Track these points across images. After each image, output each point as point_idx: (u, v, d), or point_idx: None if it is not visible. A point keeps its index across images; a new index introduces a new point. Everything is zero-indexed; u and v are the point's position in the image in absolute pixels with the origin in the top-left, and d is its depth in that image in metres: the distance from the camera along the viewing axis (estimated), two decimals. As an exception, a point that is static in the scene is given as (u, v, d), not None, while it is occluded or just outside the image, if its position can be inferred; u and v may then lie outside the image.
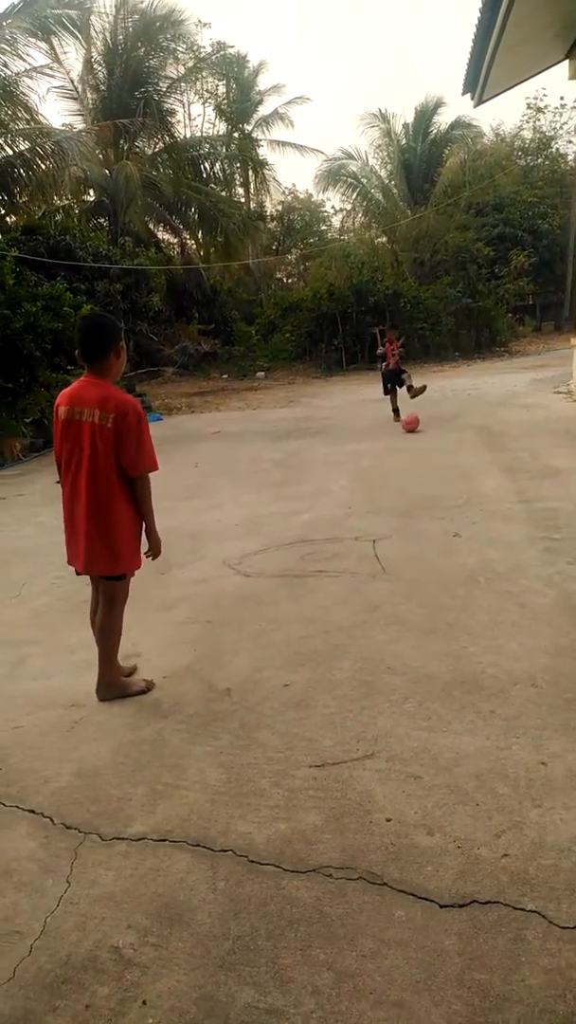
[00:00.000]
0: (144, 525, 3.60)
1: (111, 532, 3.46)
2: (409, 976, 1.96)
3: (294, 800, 2.72)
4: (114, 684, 3.68)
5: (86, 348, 3.47)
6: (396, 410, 12.54)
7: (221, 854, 2.48)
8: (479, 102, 12.79)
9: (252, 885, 2.33)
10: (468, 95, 12.55)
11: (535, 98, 33.86)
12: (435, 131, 30.13)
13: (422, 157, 29.66)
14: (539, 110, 34.09)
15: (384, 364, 12.79)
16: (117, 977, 2.04)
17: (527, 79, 13.60)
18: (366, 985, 1.94)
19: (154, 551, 3.65)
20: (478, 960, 1.98)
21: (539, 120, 34.57)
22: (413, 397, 12.49)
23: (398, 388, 12.63)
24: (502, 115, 52.78)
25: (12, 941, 2.20)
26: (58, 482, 3.69)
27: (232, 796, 2.78)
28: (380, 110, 29.56)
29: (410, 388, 12.50)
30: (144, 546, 3.65)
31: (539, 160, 34.89)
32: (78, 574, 3.74)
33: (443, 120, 30.11)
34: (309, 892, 2.28)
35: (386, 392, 12.79)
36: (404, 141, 30.17)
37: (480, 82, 11.64)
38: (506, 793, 2.65)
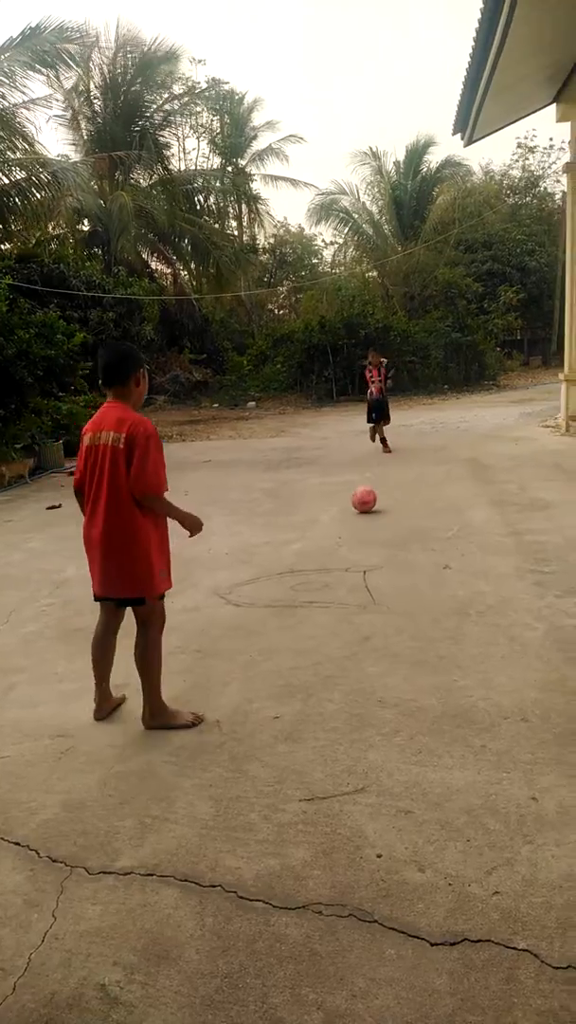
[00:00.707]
0: (177, 520, 3.56)
1: (130, 554, 3.42)
2: (400, 1017, 1.93)
3: (284, 835, 2.69)
4: (159, 712, 3.58)
5: (107, 373, 3.54)
6: (384, 440, 12.57)
7: (210, 889, 2.44)
8: (469, 142, 13.09)
9: (241, 922, 2.30)
10: (459, 135, 12.85)
11: (526, 137, 34.70)
12: (425, 169, 30.73)
13: (412, 194, 30.18)
14: (530, 149, 34.88)
15: (368, 392, 12.81)
16: (103, 1017, 2.00)
17: (516, 121, 13.96)
18: (357, 1026, 1.91)
19: (192, 528, 3.60)
20: (470, 1000, 1.96)
21: (528, 159, 35.35)
22: (379, 442, 12.56)
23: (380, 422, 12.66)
24: (491, 154, 53.95)
25: (-5, 978, 2.15)
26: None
27: (221, 830, 2.75)
28: (372, 148, 30.17)
29: (383, 440, 12.55)
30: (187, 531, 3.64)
31: (527, 199, 35.58)
32: (96, 599, 3.68)
33: (433, 159, 30.78)
34: (299, 929, 2.25)
35: (369, 420, 12.79)
36: (395, 178, 30.73)
37: (471, 123, 11.92)
38: (497, 829, 2.63)
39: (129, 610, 3.66)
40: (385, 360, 13.14)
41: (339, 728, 3.43)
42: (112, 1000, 2.05)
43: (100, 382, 3.61)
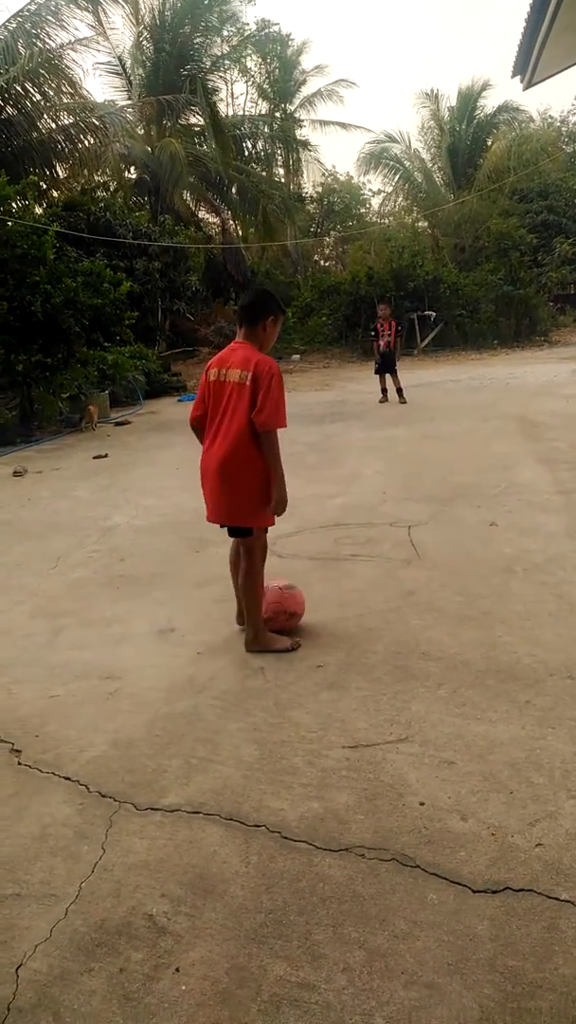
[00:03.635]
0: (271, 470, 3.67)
1: (237, 487, 3.65)
2: (441, 959, 1.96)
3: (327, 779, 2.73)
4: (260, 638, 3.81)
5: (243, 312, 3.74)
6: (399, 390, 13.02)
7: (254, 829, 2.49)
8: (528, 85, 12.47)
9: (284, 861, 2.34)
10: (518, 77, 12.31)
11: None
12: (480, 114, 29.63)
13: (466, 141, 29.20)
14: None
15: (375, 345, 13.32)
16: (151, 944, 2.07)
17: (580, 62, 13.30)
18: (398, 965, 1.95)
19: (278, 508, 3.70)
20: (511, 947, 1.98)
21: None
22: (401, 402, 12.87)
23: (387, 374, 13.15)
24: (550, 99, 51.78)
25: (48, 903, 2.24)
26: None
27: (265, 772, 2.80)
28: (432, 89, 29.15)
29: (399, 391, 12.91)
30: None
31: (587, 147, 34.21)
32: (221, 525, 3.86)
33: (489, 104, 29.63)
34: (341, 871, 2.29)
35: (377, 372, 13.38)
36: (449, 124, 29.72)
37: (531, 64, 11.39)
38: (541, 783, 2.63)
39: None
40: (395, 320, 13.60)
41: (382, 679, 3.45)
42: (160, 929, 2.11)
43: (237, 318, 3.83)
